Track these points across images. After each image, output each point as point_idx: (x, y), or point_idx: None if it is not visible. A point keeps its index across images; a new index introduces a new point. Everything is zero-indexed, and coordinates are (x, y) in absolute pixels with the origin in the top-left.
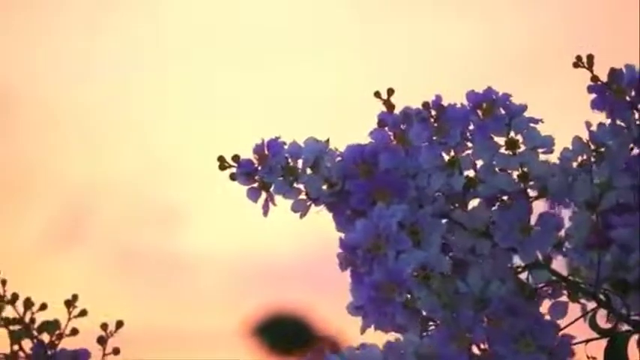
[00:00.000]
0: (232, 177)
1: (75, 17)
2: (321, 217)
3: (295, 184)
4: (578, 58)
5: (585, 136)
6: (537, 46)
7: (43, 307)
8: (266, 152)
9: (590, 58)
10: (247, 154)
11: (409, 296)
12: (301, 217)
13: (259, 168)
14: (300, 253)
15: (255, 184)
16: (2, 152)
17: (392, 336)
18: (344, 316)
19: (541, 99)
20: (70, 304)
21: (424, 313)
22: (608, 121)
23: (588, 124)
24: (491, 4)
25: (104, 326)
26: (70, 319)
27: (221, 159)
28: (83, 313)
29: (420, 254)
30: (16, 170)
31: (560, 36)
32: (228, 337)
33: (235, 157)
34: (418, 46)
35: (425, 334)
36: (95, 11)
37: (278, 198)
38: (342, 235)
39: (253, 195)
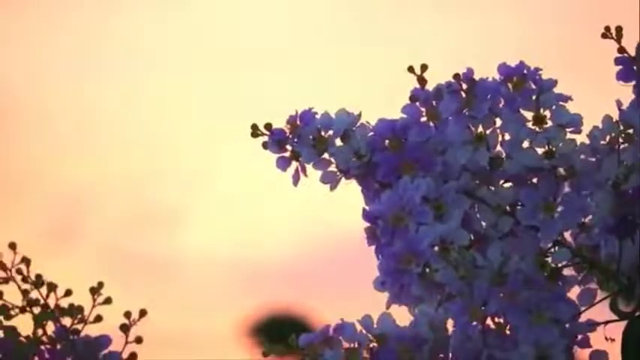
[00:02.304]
0: (264, 145)
1: (73, 18)
2: (320, 217)
3: (325, 155)
4: (607, 28)
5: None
6: (535, 45)
7: (68, 292)
8: (298, 122)
9: (619, 29)
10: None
11: (427, 269)
12: (331, 189)
13: (290, 137)
14: (299, 253)
15: (286, 154)
16: None
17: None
18: (342, 316)
19: None
20: (95, 291)
21: (441, 286)
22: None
23: (619, 104)
24: (488, 2)
25: (127, 314)
26: (94, 306)
27: (254, 127)
28: (108, 300)
29: (440, 227)
30: (13, 170)
31: (555, 34)
32: (226, 337)
33: (268, 126)
34: (415, 46)
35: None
36: (93, 12)
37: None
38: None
39: (283, 164)
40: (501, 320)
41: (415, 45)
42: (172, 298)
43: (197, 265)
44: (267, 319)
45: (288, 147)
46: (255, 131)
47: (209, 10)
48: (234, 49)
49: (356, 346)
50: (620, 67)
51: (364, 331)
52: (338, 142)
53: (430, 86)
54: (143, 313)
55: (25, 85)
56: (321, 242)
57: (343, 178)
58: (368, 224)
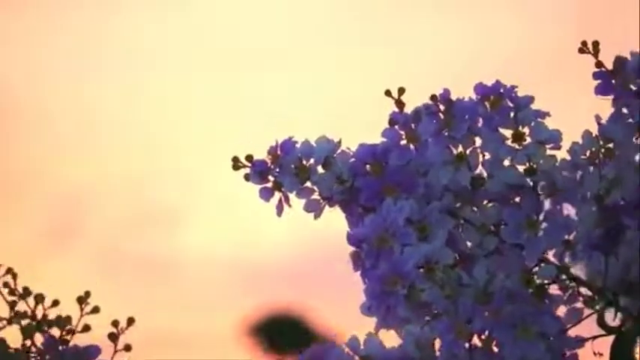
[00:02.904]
0: (246, 177)
1: (73, 18)
2: (319, 218)
3: (308, 184)
4: (584, 43)
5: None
6: (532, 46)
7: (55, 303)
8: (279, 152)
9: (596, 44)
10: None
11: (413, 290)
12: (315, 217)
13: (272, 168)
14: (297, 254)
15: (269, 184)
16: None
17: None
18: (341, 316)
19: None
20: (82, 300)
21: (428, 306)
22: (612, 110)
23: (598, 118)
24: (488, 2)
25: (115, 323)
26: (82, 315)
27: (235, 159)
28: (95, 310)
29: (425, 247)
30: (13, 170)
31: (555, 34)
32: (226, 337)
33: (249, 157)
34: (415, 46)
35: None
36: (93, 12)
37: (291, 198)
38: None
39: (266, 194)
40: (487, 337)
41: (414, 45)
42: (172, 298)
43: (197, 265)
44: (267, 319)
45: (271, 177)
46: (236, 163)
47: (209, 11)
48: (234, 49)
49: None
50: (598, 81)
51: (351, 353)
52: (320, 169)
53: (430, 89)
54: (131, 321)
55: (25, 85)
56: (320, 243)
57: (327, 206)
58: (353, 249)
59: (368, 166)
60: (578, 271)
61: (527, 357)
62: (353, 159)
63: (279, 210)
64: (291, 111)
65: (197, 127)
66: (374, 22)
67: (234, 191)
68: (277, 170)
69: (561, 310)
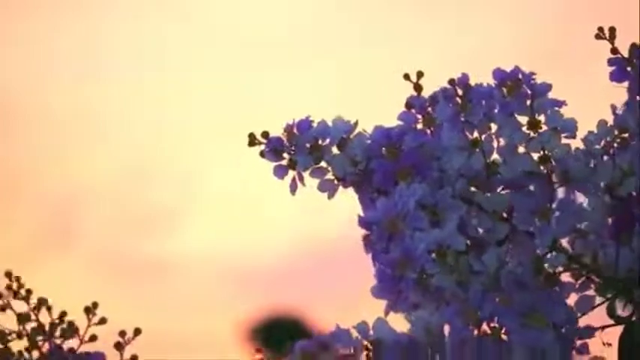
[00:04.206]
0: (262, 154)
1: (73, 18)
2: (316, 218)
3: (322, 164)
4: (600, 29)
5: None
6: (529, 47)
7: (63, 314)
8: (295, 131)
9: (612, 30)
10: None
11: (424, 275)
12: (329, 197)
13: (287, 146)
14: (296, 255)
15: (283, 162)
16: None
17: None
18: (341, 316)
19: None
20: (89, 311)
21: (438, 291)
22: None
23: (614, 108)
24: (485, 4)
25: (122, 333)
26: (89, 325)
27: (251, 136)
28: (102, 321)
29: (436, 232)
30: (11, 171)
31: (546, 41)
32: (223, 339)
33: (265, 134)
34: (414, 48)
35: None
36: (93, 12)
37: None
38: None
39: (280, 172)
40: (496, 324)
41: (415, 45)
42: (170, 299)
43: (195, 266)
44: (266, 322)
45: (285, 155)
46: (252, 140)
47: (209, 11)
48: (234, 48)
49: (352, 352)
50: (613, 67)
51: (360, 337)
52: (334, 150)
53: (430, 86)
54: (138, 331)
55: (25, 86)
56: (319, 244)
57: (341, 187)
58: (365, 232)
59: (383, 148)
60: (589, 259)
61: (535, 345)
62: (369, 141)
63: (293, 188)
64: (292, 111)
65: (196, 127)
66: (374, 23)
67: (233, 192)
68: (292, 148)
69: (572, 299)
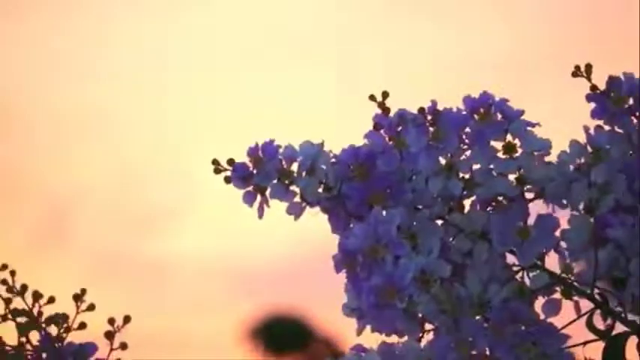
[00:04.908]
0: (227, 180)
1: (73, 18)
2: (314, 218)
3: (291, 188)
4: (577, 67)
5: (582, 139)
6: (522, 52)
7: (51, 300)
8: (261, 155)
9: (589, 67)
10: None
11: (409, 301)
12: (295, 219)
13: (254, 172)
14: (296, 254)
15: (251, 188)
16: None
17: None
18: (340, 317)
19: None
20: (78, 298)
21: (424, 318)
22: (607, 128)
23: (586, 128)
24: (481, 10)
25: (111, 321)
26: (78, 312)
27: (215, 162)
28: (91, 307)
29: (421, 259)
30: (10, 171)
31: (544, 42)
32: (225, 339)
33: (230, 161)
34: (409, 54)
35: (422, 337)
36: (93, 12)
37: (272, 200)
38: (338, 237)
39: (249, 199)
40: (487, 354)
41: (414, 46)
42: (169, 299)
43: (195, 267)
44: (266, 322)
45: (252, 181)
46: (217, 167)
47: (209, 11)
48: (234, 49)
49: None
50: (593, 104)
51: None
52: (304, 174)
53: (422, 93)
54: (127, 319)
55: (25, 86)
56: (319, 244)
57: (308, 208)
58: (338, 253)
59: (352, 169)
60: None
61: None
62: (334, 160)
63: (261, 213)
64: (292, 111)
65: (195, 128)
66: (373, 23)
67: (232, 193)
68: (260, 174)
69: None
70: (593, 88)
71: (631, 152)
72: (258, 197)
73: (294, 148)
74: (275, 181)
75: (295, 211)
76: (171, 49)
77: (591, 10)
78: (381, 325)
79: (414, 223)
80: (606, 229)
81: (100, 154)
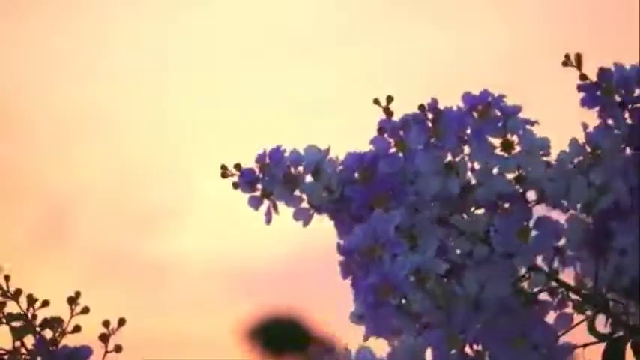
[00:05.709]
0: (235, 185)
1: (73, 18)
2: (316, 218)
3: (296, 192)
4: (567, 56)
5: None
6: (521, 52)
7: (46, 303)
8: (267, 161)
9: (579, 57)
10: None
11: (405, 299)
12: (304, 225)
13: (261, 177)
14: (296, 255)
15: (257, 193)
16: None
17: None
18: (339, 317)
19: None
20: (72, 301)
21: (419, 316)
22: (598, 120)
23: (585, 126)
24: (481, 10)
25: (106, 323)
26: (72, 316)
27: (223, 168)
28: (85, 310)
29: (416, 257)
30: (9, 171)
31: (542, 39)
32: (223, 339)
33: (237, 166)
34: (409, 54)
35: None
36: (93, 13)
37: (279, 205)
38: (342, 240)
39: (255, 203)
40: (480, 348)
41: (414, 46)
42: (168, 300)
43: (193, 267)
44: (265, 322)
45: (259, 186)
46: (224, 172)
47: (209, 11)
48: (235, 49)
49: None
50: (583, 93)
51: None
52: (308, 178)
53: (424, 92)
54: (122, 321)
55: (25, 86)
56: (318, 244)
57: (316, 214)
58: (342, 257)
59: (357, 174)
60: (567, 276)
61: None
62: (341, 167)
63: (268, 218)
64: (292, 112)
65: (195, 128)
66: (373, 23)
67: (232, 193)
68: (266, 179)
69: (551, 316)
70: (583, 77)
71: (624, 147)
72: (265, 202)
73: (299, 154)
74: (280, 185)
75: (303, 217)
76: (171, 49)
77: (591, 10)
78: (379, 325)
79: (415, 224)
80: (608, 237)
81: (100, 154)
